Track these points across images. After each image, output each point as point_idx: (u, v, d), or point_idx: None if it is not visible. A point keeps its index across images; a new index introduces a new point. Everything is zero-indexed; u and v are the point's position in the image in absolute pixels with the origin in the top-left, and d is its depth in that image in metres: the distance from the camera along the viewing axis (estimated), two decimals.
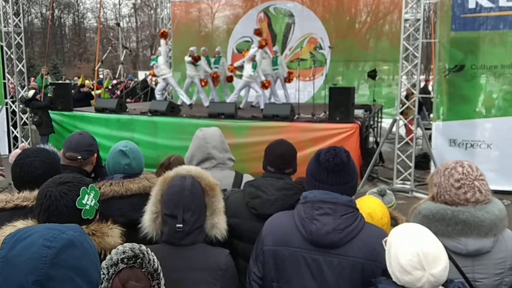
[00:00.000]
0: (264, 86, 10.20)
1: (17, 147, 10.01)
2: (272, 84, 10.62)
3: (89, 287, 1.09)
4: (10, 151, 9.69)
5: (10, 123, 10.25)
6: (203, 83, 10.96)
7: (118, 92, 13.95)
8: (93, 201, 1.66)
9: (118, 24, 21.69)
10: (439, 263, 1.52)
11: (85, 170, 2.71)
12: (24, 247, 1.05)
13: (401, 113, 8.18)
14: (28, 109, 10.04)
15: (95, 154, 2.78)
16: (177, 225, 1.84)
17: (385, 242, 1.66)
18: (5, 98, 10.20)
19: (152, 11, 38.45)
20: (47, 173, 1.99)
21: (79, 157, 2.64)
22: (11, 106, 10.23)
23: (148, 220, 1.95)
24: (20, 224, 1.60)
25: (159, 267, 1.62)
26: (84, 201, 1.62)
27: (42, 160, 2.21)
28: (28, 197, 1.98)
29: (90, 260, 1.11)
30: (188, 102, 10.38)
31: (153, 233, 1.94)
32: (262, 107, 9.36)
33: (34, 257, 1.03)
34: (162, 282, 1.61)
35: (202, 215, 1.93)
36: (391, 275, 1.59)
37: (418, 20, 7.73)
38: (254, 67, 9.85)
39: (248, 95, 10.93)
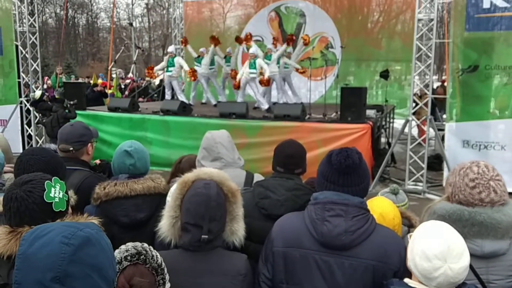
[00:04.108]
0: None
1: (31, 145, 10.18)
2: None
3: (106, 283, 1.11)
4: (24, 149, 9.80)
5: (25, 122, 10.39)
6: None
7: (127, 92, 14.14)
8: (61, 193, 1.62)
9: (131, 24, 21.92)
10: (461, 261, 1.53)
11: (86, 161, 2.73)
12: (43, 244, 1.07)
13: (414, 113, 8.10)
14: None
15: (89, 144, 2.77)
16: (203, 236, 1.80)
17: (410, 236, 1.68)
18: (20, 96, 10.35)
19: (164, 11, 38.62)
20: (43, 171, 1.91)
21: (71, 148, 2.66)
22: (25, 105, 10.37)
23: (166, 225, 1.89)
24: None
25: (163, 263, 1.63)
26: (51, 194, 1.58)
27: (37, 158, 2.24)
28: None
29: (107, 258, 1.13)
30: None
31: (171, 237, 1.90)
32: (263, 108, 9.67)
33: (52, 254, 1.05)
34: (167, 277, 1.62)
35: (224, 222, 1.90)
36: (409, 262, 1.59)
37: (432, 20, 7.65)
38: (251, 65, 9.93)
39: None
